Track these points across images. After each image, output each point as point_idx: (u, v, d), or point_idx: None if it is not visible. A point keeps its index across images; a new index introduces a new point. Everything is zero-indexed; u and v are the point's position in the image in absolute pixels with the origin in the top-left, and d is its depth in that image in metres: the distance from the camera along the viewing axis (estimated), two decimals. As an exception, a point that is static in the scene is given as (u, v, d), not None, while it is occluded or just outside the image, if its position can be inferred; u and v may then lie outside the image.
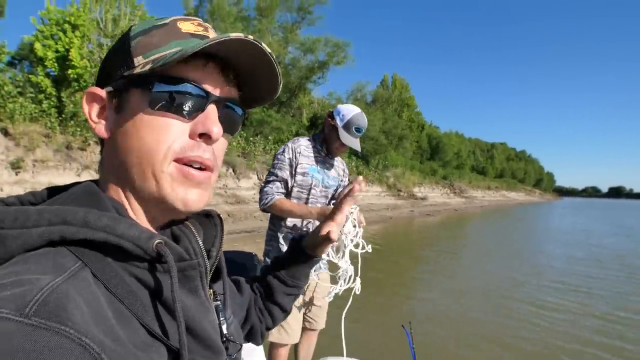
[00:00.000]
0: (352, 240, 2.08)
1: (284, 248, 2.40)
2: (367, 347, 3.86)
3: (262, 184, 2.42)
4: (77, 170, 10.10)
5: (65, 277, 0.42)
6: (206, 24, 0.60)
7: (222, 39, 0.49)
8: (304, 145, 2.43)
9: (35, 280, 0.40)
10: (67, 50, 10.88)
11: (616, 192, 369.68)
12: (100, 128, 0.56)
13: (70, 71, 10.92)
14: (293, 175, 2.39)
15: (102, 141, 0.58)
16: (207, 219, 0.65)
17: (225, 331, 0.63)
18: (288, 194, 2.42)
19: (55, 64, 11.04)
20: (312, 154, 2.46)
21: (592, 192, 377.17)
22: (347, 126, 2.40)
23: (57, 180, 9.29)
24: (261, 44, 0.53)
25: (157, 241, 0.48)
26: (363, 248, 1.94)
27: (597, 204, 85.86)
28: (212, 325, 0.57)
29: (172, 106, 0.52)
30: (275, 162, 2.40)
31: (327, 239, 0.87)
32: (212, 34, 0.58)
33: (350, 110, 2.42)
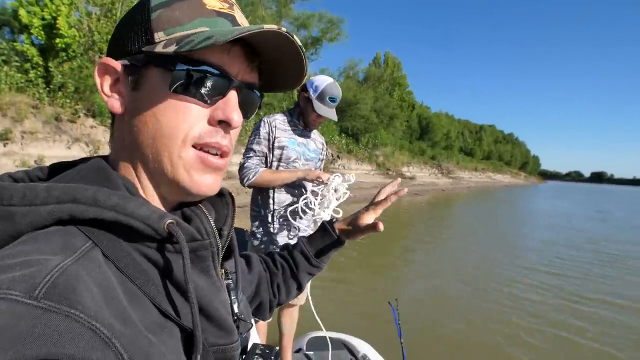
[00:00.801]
0: (337, 199, 2.31)
1: (275, 228, 2.43)
2: (352, 323, 3.97)
3: (242, 161, 2.40)
4: (67, 142, 9.92)
5: (76, 258, 0.41)
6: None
7: (256, 30, 0.47)
8: (279, 120, 2.41)
9: (45, 261, 0.39)
10: (55, 19, 10.52)
11: (598, 177, 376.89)
12: (113, 102, 0.54)
13: (57, 40, 10.58)
14: (271, 149, 2.38)
15: (113, 115, 0.56)
16: (219, 197, 0.63)
17: (236, 310, 0.63)
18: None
19: (42, 32, 10.67)
20: (289, 128, 2.44)
21: (575, 177, 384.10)
22: (321, 97, 2.38)
23: (47, 153, 9.13)
24: (293, 37, 0.51)
25: (168, 221, 0.47)
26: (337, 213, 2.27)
27: (579, 189, 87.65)
28: (223, 305, 0.56)
29: (193, 90, 0.50)
30: (252, 137, 2.39)
31: (372, 228, 0.90)
32: (237, 12, 0.55)
33: (323, 81, 2.39)
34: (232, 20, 0.53)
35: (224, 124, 0.53)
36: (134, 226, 0.45)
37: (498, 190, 46.87)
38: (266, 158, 2.39)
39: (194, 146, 0.52)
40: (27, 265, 0.38)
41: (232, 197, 0.65)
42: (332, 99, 2.40)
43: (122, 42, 0.53)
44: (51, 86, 10.65)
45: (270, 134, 2.37)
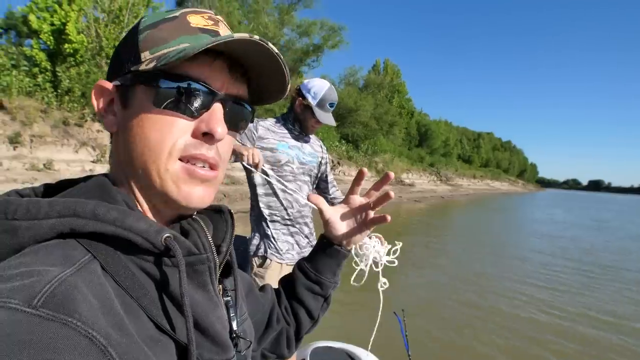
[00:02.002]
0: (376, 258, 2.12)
1: (268, 231, 2.35)
2: (356, 333, 3.72)
3: None
4: (74, 146, 10.07)
5: (74, 269, 0.42)
6: (217, 17, 0.59)
7: (226, 39, 0.48)
8: (270, 122, 2.36)
9: (45, 271, 0.40)
10: (64, 24, 10.70)
11: (595, 185, 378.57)
12: (108, 122, 0.56)
13: (66, 45, 10.76)
14: (252, 142, 2.29)
15: (111, 134, 0.58)
16: (218, 214, 0.64)
17: (235, 327, 0.63)
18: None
19: (51, 38, 10.86)
20: (281, 131, 2.38)
21: (572, 185, 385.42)
22: (321, 104, 2.32)
23: (56, 157, 9.28)
24: (267, 44, 0.52)
25: (165, 235, 0.48)
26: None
27: (577, 197, 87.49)
28: (220, 321, 0.56)
29: (176, 104, 0.52)
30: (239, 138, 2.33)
31: (379, 221, 0.82)
32: (222, 28, 0.57)
33: (321, 87, 2.32)
34: (215, 35, 0.55)
35: (208, 136, 0.53)
36: (132, 240, 0.47)
37: (498, 198, 46.91)
38: None
39: (180, 159, 0.53)
40: (27, 275, 0.39)
41: (232, 215, 0.65)
42: (332, 105, 2.37)
43: (116, 65, 0.57)
44: (59, 90, 10.81)
45: (254, 131, 2.28)
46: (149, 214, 0.56)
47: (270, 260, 2.28)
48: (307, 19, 23.35)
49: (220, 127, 0.53)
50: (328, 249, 0.88)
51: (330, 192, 2.67)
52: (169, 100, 0.51)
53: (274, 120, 2.39)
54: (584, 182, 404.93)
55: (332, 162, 23.88)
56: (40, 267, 0.40)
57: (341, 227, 0.86)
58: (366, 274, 1.95)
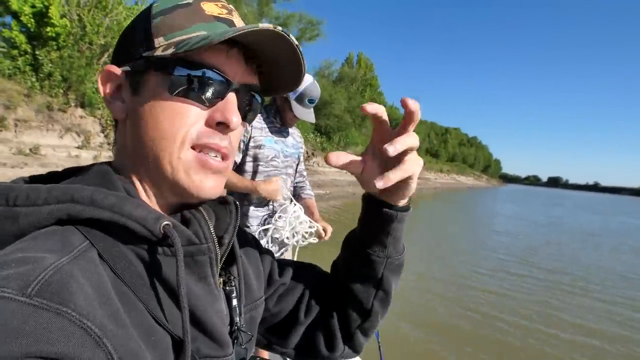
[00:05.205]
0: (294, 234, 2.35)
1: (253, 229, 2.32)
2: None
3: None
4: (59, 132, 10.08)
5: (71, 257, 0.42)
6: (230, 5, 0.58)
7: (251, 29, 0.47)
8: (255, 119, 2.05)
9: (41, 259, 0.39)
10: (47, 7, 10.60)
11: (554, 182, 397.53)
12: (116, 108, 0.54)
13: (48, 29, 10.66)
14: (244, 150, 2.28)
15: (116, 122, 0.57)
16: (223, 205, 0.61)
17: (236, 319, 0.61)
18: (239, 169, 2.30)
19: (32, 20, 10.72)
20: (265, 126, 2.34)
21: (533, 181, 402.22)
22: (299, 98, 2.28)
23: (42, 141, 9.30)
24: (289, 36, 0.50)
25: (164, 223, 0.47)
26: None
27: (537, 193, 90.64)
28: (219, 315, 0.55)
29: (191, 92, 0.50)
30: None
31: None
32: (236, 17, 0.56)
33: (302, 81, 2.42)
34: (230, 24, 0.54)
35: (223, 126, 0.53)
36: (129, 227, 0.46)
37: (465, 192, 48.83)
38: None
39: (193, 148, 0.52)
40: (22, 262, 0.38)
41: (237, 206, 0.62)
42: (311, 101, 2.32)
43: (125, 50, 0.55)
44: (40, 75, 10.71)
45: (245, 133, 2.26)
46: (152, 203, 0.55)
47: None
48: (286, 11, 23.68)
49: (235, 117, 0.52)
50: (369, 209, 0.68)
51: (296, 179, 2.67)
52: (183, 88, 0.50)
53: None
54: (544, 179, 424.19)
55: (307, 153, 24.30)
56: (36, 254, 0.40)
57: (375, 170, 0.63)
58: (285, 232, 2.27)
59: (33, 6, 10.67)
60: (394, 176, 0.56)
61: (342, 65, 40.34)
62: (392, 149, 0.53)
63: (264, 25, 0.48)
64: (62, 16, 10.98)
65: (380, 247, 0.68)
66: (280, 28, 0.49)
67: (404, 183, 0.60)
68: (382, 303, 0.72)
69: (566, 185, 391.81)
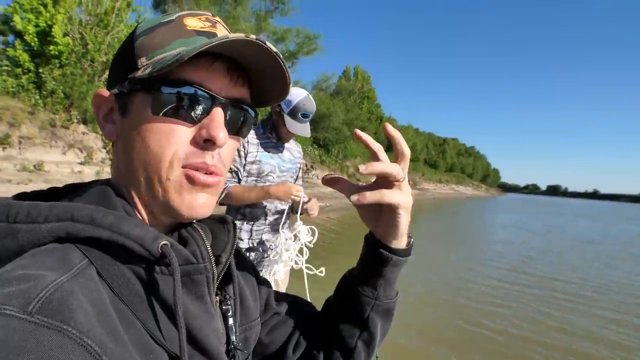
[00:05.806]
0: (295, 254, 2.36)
1: (244, 244, 2.32)
2: None
3: None
4: (62, 148, 10.20)
5: (71, 275, 0.42)
6: (216, 18, 0.57)
7: (220, 40, 0.46)
8: (250, 134, 2.27)
9: (41, 276, 0.39)
10: (50, 27, 10.82)
11: (554, 190, 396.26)
12: (107, 130, 0.55)
13: (51, 47, 10.86)
14: (243, 165, 2.28)
15: (112, 142, 0.57)
16: (221, 224, 0.62)
17: (233, 338, 0.61)
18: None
19: (35, 39, 10.94)
20: (260, 141, 2.34)
21: (532, 189, 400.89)
22: (293, 113, 2.26)
23: (45, 158, 9.42)
24: (265, 43, 0.49)
25: (162, 242, 0.47)
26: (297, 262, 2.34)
27: (536, 201, 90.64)
28: (216, 333, 0.55)
29: (175, 111, 0.50)
30: None
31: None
32: (220, 29, 0.55)
33: (295, 95, 2.24)
34: (212, 37, 0.52)
35: (209, 143, 0.52)
36: (127, 246, 0.46)
37: (464, 202, 48.72)
38: (238, 174, 2.28)
39: (183, 168, 0.51)
40: (23, 280, 0.38)
41: (235, 225, 0.63)
42: (305, 115, 2.29)
43: (114, 73, 0.55)
44: (43, 92, 10.89)
45: (242, 149, 2.26)
46: (149, 222, 0.55)
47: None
48: (283, 26, 24.09)
49: (221, 133, 0.51)
50: (367, 247, 0.68)
51: None
52: (167, 107, 0.50)
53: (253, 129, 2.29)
54: (543, 187, 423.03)
55: (306, 166, 24.45)
56: (36, 271, 0.40)
57: (372, 211, 0.64)
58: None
59: (37, 25, 10.91)
60: (370, 195, 0.57)
61: (339, 78, 40.79)
62: (363, 167, 0.55)
63: (236, 35, 0.48)
64: (65, 34, 11.20)
65: (371, 288, 0.67)
66: (254, 36, 0.48)
67: (392, 215, 0.60)
68: (366, 345, 0.71)
69: (565, 193, 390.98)
